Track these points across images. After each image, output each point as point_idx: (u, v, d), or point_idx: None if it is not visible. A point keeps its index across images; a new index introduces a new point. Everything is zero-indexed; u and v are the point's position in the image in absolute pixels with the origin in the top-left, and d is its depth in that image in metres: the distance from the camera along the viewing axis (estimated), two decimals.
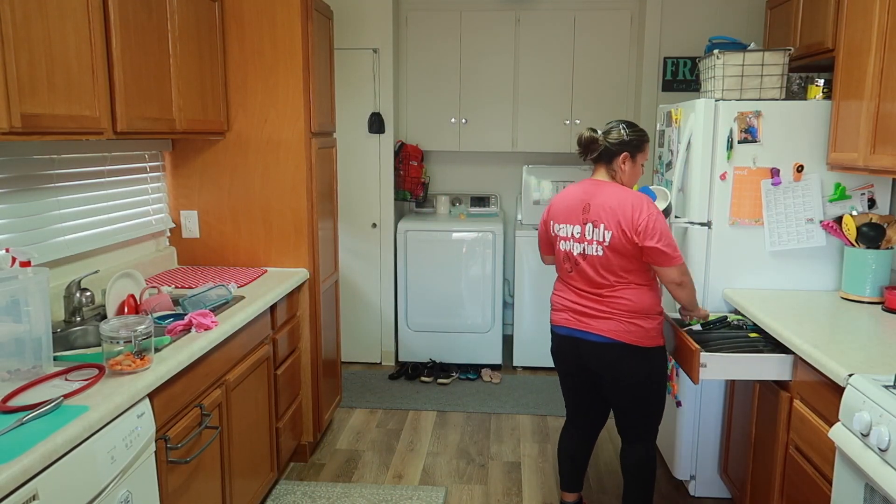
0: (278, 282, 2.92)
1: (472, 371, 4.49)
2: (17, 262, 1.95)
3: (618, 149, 2.36)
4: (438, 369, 4.47)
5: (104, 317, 2.39)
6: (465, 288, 4.47)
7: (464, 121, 4.64)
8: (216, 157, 3.13)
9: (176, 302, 2.52)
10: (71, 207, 2.47)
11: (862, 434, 1.70)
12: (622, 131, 2.37)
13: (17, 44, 1.67)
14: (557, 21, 4.50)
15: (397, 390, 4.24)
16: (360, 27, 4.31)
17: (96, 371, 1.79)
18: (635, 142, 2.38)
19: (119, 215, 2.77)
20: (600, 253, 2.31)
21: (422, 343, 4.58)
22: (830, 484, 1.91)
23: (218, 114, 2.96)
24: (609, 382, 2.43)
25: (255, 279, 2.96)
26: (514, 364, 4.56)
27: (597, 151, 2.37)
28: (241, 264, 3.21)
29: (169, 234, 3.21)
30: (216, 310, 2.43)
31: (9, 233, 2.15)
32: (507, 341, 4.93)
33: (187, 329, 2.20)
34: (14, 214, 2.18)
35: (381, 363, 4.68)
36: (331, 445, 3.52)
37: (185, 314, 2.29)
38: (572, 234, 2.38)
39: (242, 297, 2.65)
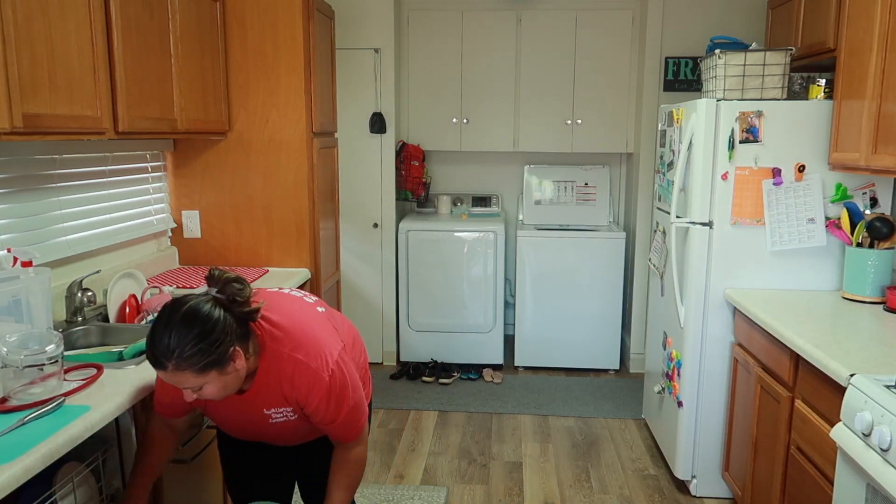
0: (280, 282, 2.92)
1: (473, 371, 4.49)
2: (18, 262, 1.95)
3: None
4: (440, 369, 4.47)
5: (106, 317, 2.40)
6: (466, 288, 4.47)
7: (465, 120, 4.64)
8: (218, 157, 3.13)
9: None
10: (72, 207, 2.47)
11: (863, 434, 1.70)
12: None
13: (18, 43, 1.68)
14: (559, 21, 4.50)
15: (399, 390, 4.24)
16: (362, 27, 4.31)
17: (94, 371, 1.79)
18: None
19: (120, 215, 2.78)
20: None
21: (423, 343, 4.58)
22: (832, 484, 1.91)
23: (219, 114, 2.97)
24: None
25: (257, 279, 2.96)
26: (516, 364, 4.56)
27: None
28: (243, 264, 3.22)
29: (170, 233, 3.21)
30: None
31: (10, 233, 2.15)
32: (509, 341, 4.94)
33: None
34: (16, 214, 2.18)
35: (382, 363, 4.68)
36: None
37: None
38: None
39: None
